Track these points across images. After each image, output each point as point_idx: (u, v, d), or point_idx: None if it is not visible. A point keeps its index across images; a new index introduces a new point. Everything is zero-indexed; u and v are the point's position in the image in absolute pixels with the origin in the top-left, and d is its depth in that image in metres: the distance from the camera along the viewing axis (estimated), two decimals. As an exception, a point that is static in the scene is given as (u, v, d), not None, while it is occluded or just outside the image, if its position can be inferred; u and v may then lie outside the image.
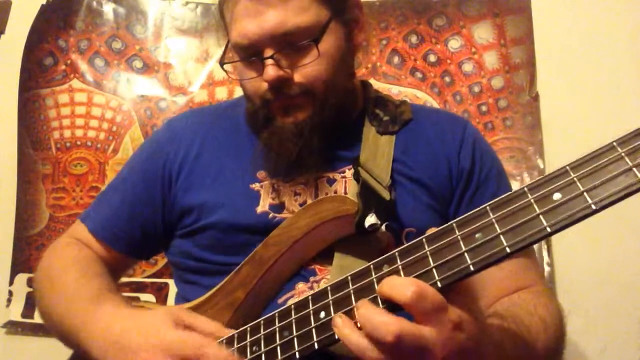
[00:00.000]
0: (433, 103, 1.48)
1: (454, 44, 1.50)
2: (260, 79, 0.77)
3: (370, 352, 0.50)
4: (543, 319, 0.71)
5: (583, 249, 1.34)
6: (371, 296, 0.54)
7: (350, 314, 0.54)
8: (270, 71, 0.75)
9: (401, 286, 0.50)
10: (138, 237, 0.88)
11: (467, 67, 1.48)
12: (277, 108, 0.79)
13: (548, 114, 1.43)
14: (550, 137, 1.41)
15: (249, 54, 0.78)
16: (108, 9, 1.62)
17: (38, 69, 1.60)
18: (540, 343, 0.68)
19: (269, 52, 0.76)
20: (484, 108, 1.46)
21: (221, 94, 1.57)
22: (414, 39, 1.52)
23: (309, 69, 0.77)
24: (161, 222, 0.87)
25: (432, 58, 1.51)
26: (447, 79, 1.49)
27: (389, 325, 0.49)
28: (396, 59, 1.52)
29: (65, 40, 1.61)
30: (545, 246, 1.34)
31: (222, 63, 0.83)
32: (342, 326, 0.53)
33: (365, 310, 0.52)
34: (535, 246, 0.91)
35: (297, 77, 0.77)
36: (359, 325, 0.52)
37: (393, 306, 0.51)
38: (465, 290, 0.54)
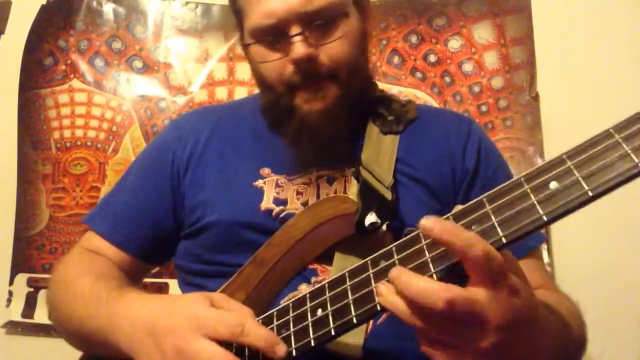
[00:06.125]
0: (433, 103, 1.47)
1: (454, 44, 1.50)
2: (285, 61, 0.76)
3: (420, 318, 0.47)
4: (569, 308, 0.71)
5: (583, 249, 1.34)
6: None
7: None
8: (300, 48, 0.73)
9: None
10: (150, 239, 0.85)
11: (467, 67, 1.48)
12: (303, 93, 0.77)
13: (548, 114, 1.43)
14: (550, 137, 1.41)
15: (273, 34, 0.76)
16: (108, 9, 1.62)
17: (38, 69, 1.60)
18: (574, 329, 0.66)
19: (296, 30, 0.74)
20: (484, 108, 1.46)
21: (221, 94, 1.57)
22: (414, 39, 1.52)
23: (335, 49, 0.76)
24: (172, 222, 0.85)
25: (432, 58, 1.51)
26: (447, 79, 1.49)
27: (437, 291, 0.46)
28: (396, 59, 1.52)
29: (65, 40, 1.61)
30: (546, 246, 1.34)
31: (245, 45, 0.81)
32: (388, 293, 0.50)
33: (407, 277, 0.48)
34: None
35: (323, 56, 0.76)
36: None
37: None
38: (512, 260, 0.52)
